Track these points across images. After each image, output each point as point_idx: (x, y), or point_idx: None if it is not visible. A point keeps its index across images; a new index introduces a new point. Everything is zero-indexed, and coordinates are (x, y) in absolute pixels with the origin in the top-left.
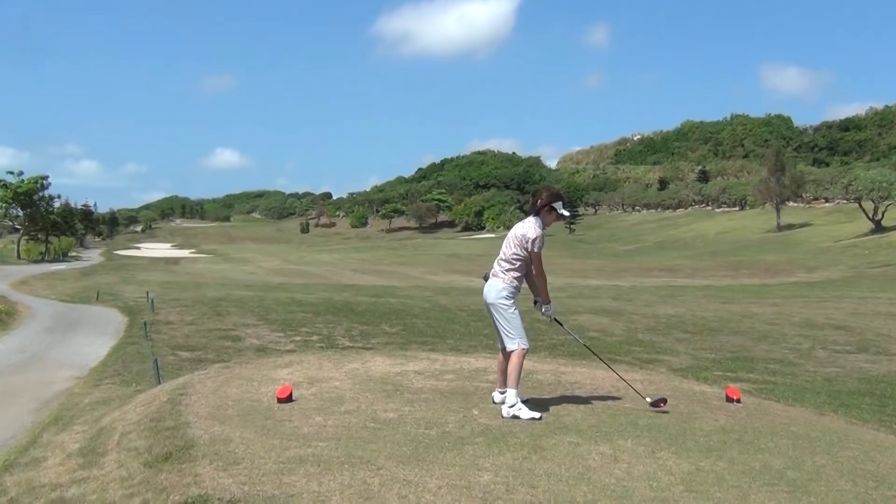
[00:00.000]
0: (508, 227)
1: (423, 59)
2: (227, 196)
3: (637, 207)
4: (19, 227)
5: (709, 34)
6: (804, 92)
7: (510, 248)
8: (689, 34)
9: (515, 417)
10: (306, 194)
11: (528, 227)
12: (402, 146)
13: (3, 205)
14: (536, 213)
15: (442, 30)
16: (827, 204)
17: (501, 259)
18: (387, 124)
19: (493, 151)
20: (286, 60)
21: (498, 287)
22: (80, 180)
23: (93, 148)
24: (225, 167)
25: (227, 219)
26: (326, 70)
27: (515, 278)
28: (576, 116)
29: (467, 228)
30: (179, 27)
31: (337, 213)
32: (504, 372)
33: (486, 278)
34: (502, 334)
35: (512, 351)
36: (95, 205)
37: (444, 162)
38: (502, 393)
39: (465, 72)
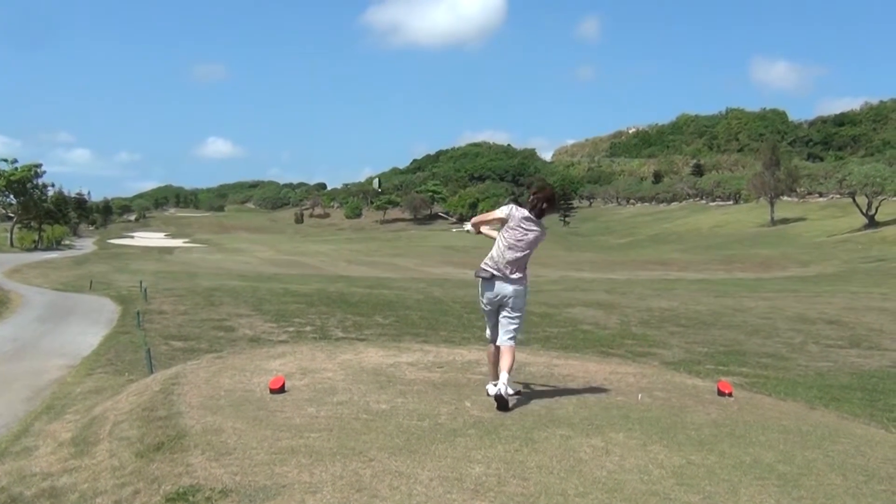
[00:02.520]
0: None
1: (413, 51)
2: (222, 186)
3: (631, 200)
4: (12, 215)
5: (703, 27)
6: (798, 86)
7: None
8: (683, 27)
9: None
10: (300, 185)
11: None
12: (396, 137)
13: None
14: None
15: (431, 21)
16: (821, 198)
17: None
18: (381, 115)
19: (489, 143)
20: (276, 50)
21: None
22: (72, 168)
23: (85, 136)
24: (218, 157)
25: (221, 208)
26: (317, 60)
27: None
28: (569, 109)
29: (462, 220)
30: (169, 16)
31: (331, 203)
32: (495, 364)
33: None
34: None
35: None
36: (89, 193)
37: (439, 153)
38: (495, 385)
39: (457, 63)
